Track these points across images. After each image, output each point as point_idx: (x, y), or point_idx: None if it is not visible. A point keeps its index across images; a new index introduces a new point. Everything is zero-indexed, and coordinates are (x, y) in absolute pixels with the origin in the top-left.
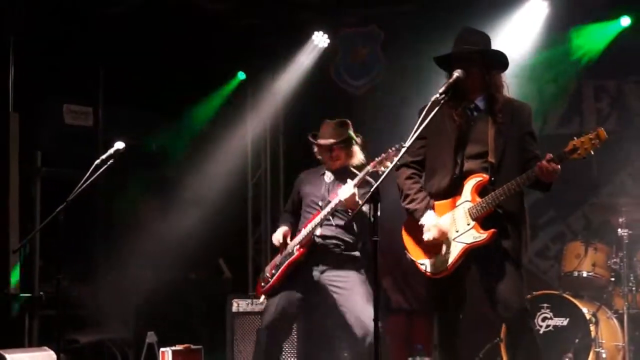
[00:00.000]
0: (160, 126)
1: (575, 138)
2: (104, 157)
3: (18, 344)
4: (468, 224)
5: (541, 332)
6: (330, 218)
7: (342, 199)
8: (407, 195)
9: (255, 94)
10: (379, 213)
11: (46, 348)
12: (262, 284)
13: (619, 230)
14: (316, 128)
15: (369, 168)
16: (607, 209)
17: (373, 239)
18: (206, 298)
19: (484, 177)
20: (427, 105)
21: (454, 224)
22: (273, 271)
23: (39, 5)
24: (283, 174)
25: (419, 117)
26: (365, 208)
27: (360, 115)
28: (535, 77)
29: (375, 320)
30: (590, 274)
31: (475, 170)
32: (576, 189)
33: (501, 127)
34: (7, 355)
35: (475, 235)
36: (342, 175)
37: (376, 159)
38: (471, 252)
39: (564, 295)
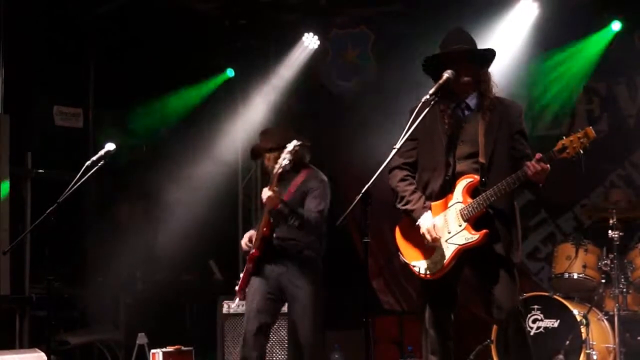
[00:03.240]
0: (150, 127)
1: (564, 137)
2: (94, 158)
3: (9, 345)
4: (460, 225)
5: (532, 333)
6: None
7: (264, 200)
8: (402, 197)
9: (245, 95)
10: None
11: (37, 349)
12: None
13: (610, 231)
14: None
15: (277, 169)
16: (598, 211)
17: (363, 241)
18: (197, 299)
19: (475, 178)
20: (417, 106)
21: (446, 226)
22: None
23: (29, 6)
24: None
25: (409, 118)
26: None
27: (350, 116)
28: (526, 78)
29: (366, 321)
30: (580, 275)
31: (466, 171)
32: (567, 191)
33: (491, 127)
34: None
35: (467, 237)
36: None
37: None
38: (464, 254)
39: (555, 296)
